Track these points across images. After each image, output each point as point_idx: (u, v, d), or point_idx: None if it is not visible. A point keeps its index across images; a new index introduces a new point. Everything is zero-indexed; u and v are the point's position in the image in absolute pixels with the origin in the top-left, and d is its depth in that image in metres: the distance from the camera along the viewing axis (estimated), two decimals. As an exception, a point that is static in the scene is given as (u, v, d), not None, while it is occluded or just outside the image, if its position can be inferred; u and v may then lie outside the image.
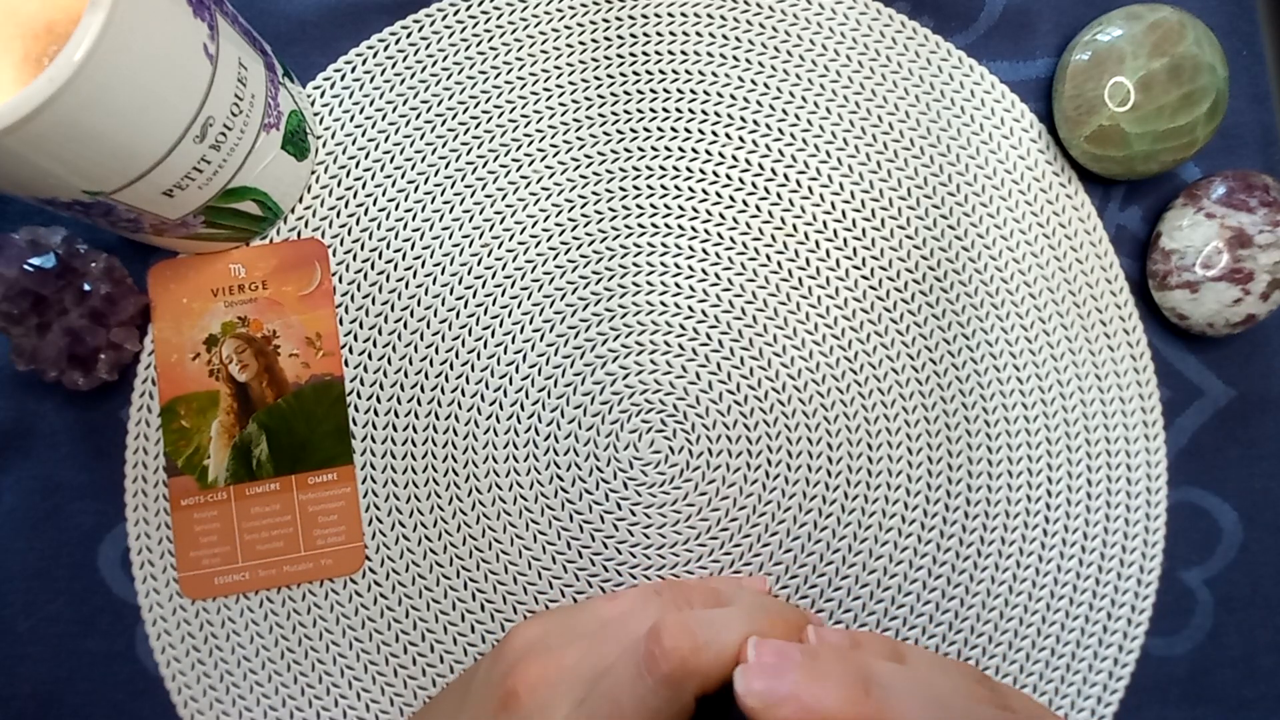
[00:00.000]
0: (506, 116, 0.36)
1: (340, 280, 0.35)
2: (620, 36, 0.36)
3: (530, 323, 0.35)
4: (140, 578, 0.33)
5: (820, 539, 0.34)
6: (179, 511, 0.33)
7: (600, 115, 0.36)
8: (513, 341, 0.35)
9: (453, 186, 0.35)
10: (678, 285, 0.35)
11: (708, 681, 0.23)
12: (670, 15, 0.36)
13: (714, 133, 0.36)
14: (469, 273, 0.35)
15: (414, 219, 0.35)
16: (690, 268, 0.35)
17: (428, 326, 0.35)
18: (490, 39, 0.36)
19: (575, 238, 0.35)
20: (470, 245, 0.35)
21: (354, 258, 0.35)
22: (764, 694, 0.21)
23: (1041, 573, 0.34)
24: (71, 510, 0.34)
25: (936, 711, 0.22)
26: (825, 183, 0.35)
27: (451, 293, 0.35)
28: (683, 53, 0.36)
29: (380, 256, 0.35)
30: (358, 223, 0.35)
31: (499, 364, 0.34)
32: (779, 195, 0.35)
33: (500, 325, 0.35)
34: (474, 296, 0.35)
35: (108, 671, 0.33)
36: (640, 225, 0.35)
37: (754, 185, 0.35)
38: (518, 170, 0.35)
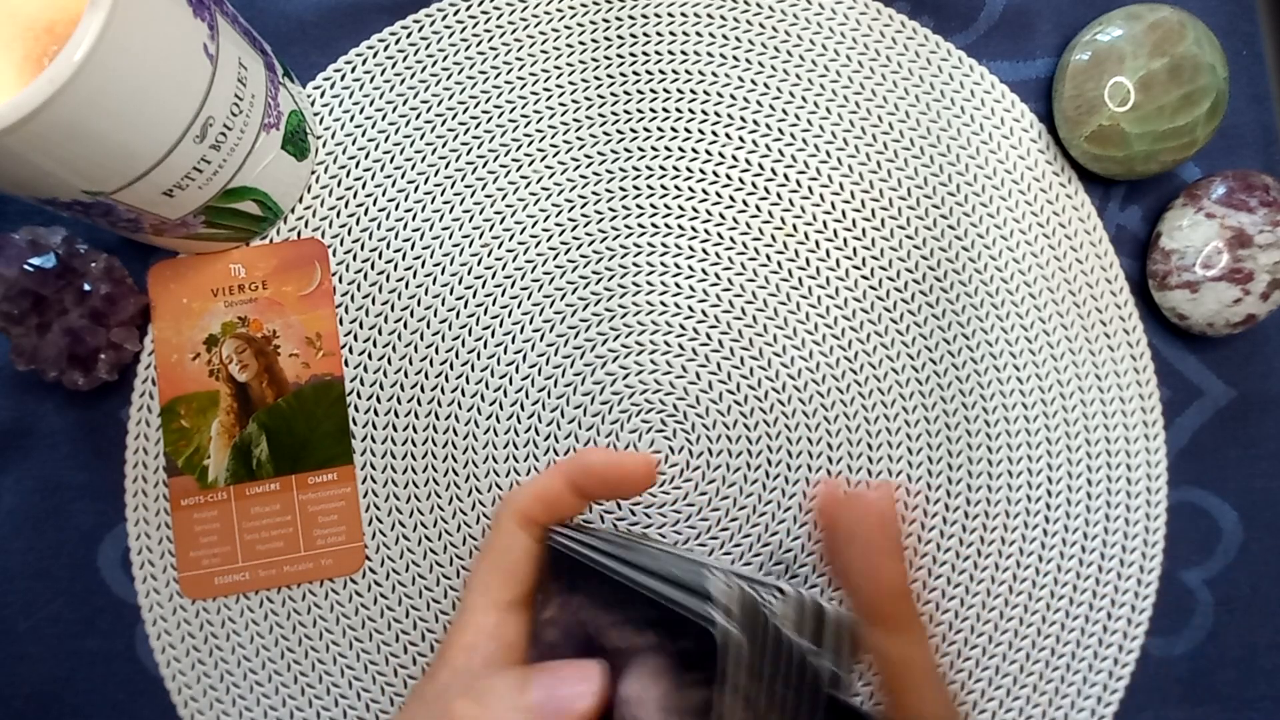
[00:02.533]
0: (506, 116, 0.36)
1: (340, 280, 0.35)
2: (620, 36, 0.36)
3: (530, 323, 0.35)
4: (140, 578, 0.33)
5: (820, 538, 0.34)
6: (179, 511, 0.33)
7: (600, 115, 0.36)
8: (513, 341, 0.35)
9: (453, 186, 0.35)
10: (678, 285, 0.35)
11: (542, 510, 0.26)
12: (670, 15, 0.36)
13: (714, 133, 0.36)
14: (469, 273, 0.35)
15: (414, 219, 0.35)
16: (690, 268, 0.35)
17: (428, 326, 0.35)
18: (490, 39, 0.36)
19: (575, 238, 0.35)
20: (470, 245, 0.35)
21: (354, 258, 0.35)
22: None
23: (1041, 573, 0.34)
24: (71, 510, 0.34)
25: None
26: (825, 183, 0.35)
27: (451, 293, 0.35)
28: (683, 53, 0.36)
29: (380, 256, 0.35)
30: (358, 223, 0.35)
31: (499, 364, 0.34)
32: (779, 195, 0.35)
33: (500, 325, 0.35)
34: (474, 296, 0.35)
35: (108, 671, 0.33)
36: (640, 225, 0.35)
37: (754, 185, 0.35)
38: (518, 170, 0.35)
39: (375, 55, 0.36)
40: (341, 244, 0.35)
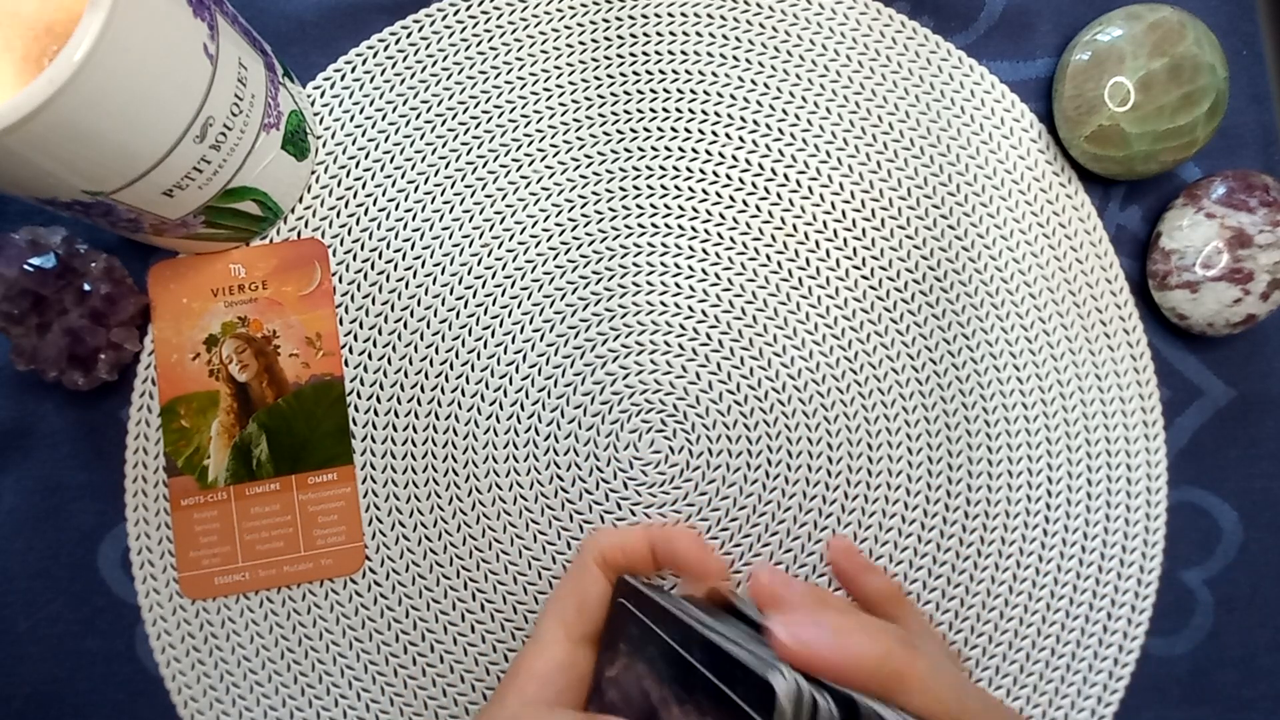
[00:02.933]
0: (506, 116, 0.36)
1: (340, 280, 0.35)
2: (620, 36, 0.36)
3: (530, 323, 0.35)
4: (140, 578, 0.33)
5: (820, 539, 0.34)
6: (179, 511, 0.33)
7: (600, 115, 0.36)
8: (513, 341, 0.35)
9: (453, 186, 0.35)
10: (678, 285, 0.35)
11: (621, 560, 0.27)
12: (670, 15, 0.36)
13: (714, 133, 0.36)
14: (469, 273, 0.35)
15: (414, 219, 0.35)
16: (690, 268, 0.35)
17: (428, 326, 0.35)
18: (490, 39, 0.36)
19: (575, 238, 0.35)
20: (470, 245, 0.35)
21: (354, 258, 0.35)
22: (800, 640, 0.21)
23: (1041, 573, 0.34)
24: (71, 510, 0.34)
25: (957, 678, 0.22)
26: (825, 183, 0.35)
27: (451, 293, 0.35)
28: (683, 53, 0.36)
29: (380, 256, 0.35)
30: (358, 223, 0.35)
31: (499, 364, 0.34)
32: (779, 195, 0.35)
33: (500, 325, 0.35)
34: (474, 296, 0.35)
35: (108, 671, 0.33)
36: (640, 225, 0.35)
37: (754, 185, 0.35)
38: (518, 170, 0.35)
39: (375, 55, 0.36)
40: (341, 244, 0.35)
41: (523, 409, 0.34)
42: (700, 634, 0.21)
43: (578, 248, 0.35)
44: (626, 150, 0.36)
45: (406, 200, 0.35)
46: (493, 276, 0.35)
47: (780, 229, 0.35)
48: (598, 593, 0.26)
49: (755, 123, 0.36)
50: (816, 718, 0.19)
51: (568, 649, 0.25)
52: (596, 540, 0.27)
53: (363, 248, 0.35)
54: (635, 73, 0.36)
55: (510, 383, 0.34)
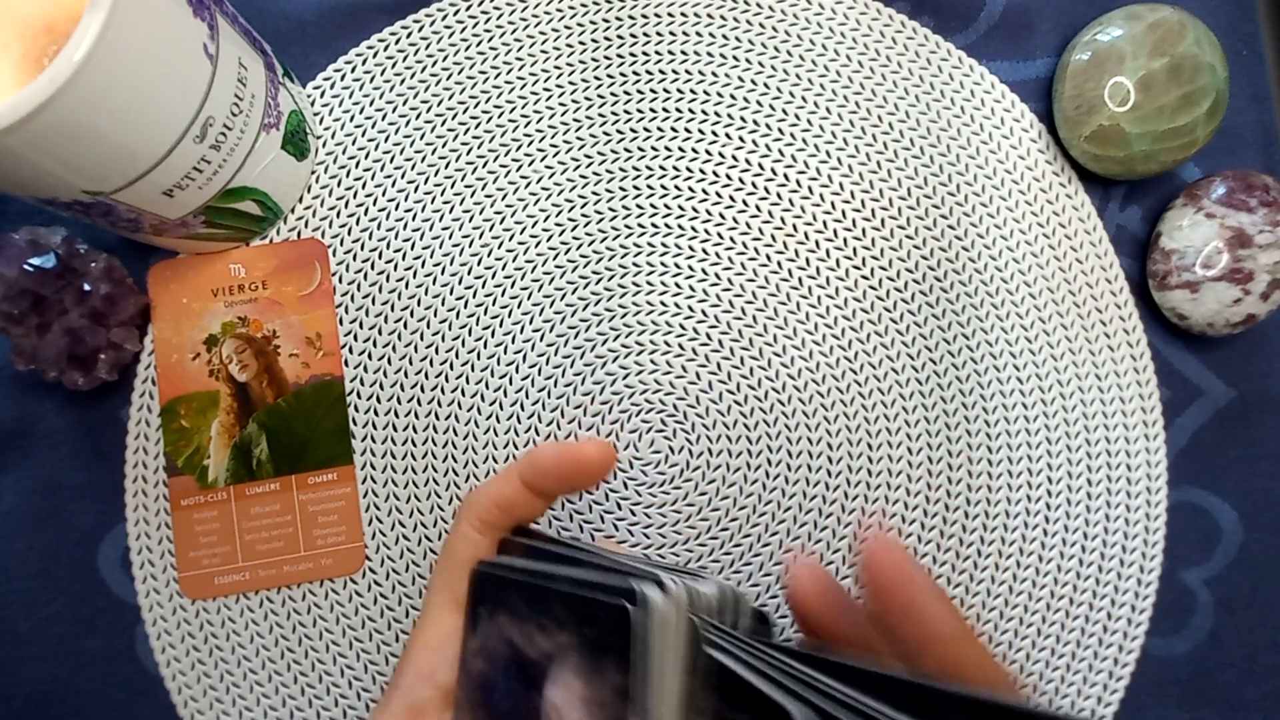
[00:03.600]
0: (506, 116, 0.36)
1: (340, 280, 0.35)
2: (620, 36, 0.36)
3: (530, 323, 0.35)
4: (140, 578, 0.33)
5: (820, 539, 0.34)
6: (179, 511, 0.33)
7: (600, 115, 0.36)
8: (513, 341, 0.35)
9: (453, 186, 0.35)
10: (678, 285, 0.35)
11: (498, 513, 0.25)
12: (670, 15, 0.36)
13: (714, 133, 0.36)
14: (469, 273, 0.35)
15: (414, 219, 0.35)
16: (690, 268, 0.35)
17: (428, 326, 0.35)
18: (490, 39, 0.36)
19: (575, 238, 0.35)
20: (470, 245, 0.35)
21: (354, 258, 0.35)
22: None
23: (1041, 573, 0.34)
24: (71, 510, 0.34)
25: None
26: (825, 183, 0.35)
27: (451, 293, 0.35)
28: (683, 53, 0.36)
29: (380, 256, 0.35)
30: (358, 223, 0.35)
31: (499, 364, 0.34)
32: (779, 195, 0.35)
33: (500, 325, 0.35)
34: (474, 296, 0.35)
35: (108, 671, 0.33)
36: (640, 225, 0.35)
37: (754, 185, 0.35)
38: (518, 170, 0.35)
39: (375, 55, 0.36)
40: (341, 244, 0.35)
41: (523, 409, 0.34)
42: (564, 560, 0.22)
43: (578, 248, 0.35)
44: (626, 150, 0.36)
45: (406, 200, 0.35)
46: (493, 276, 0.35)
47: (780, 229, 0.35)
48: (474, 557, 0.25)
49: (755, 123, 0.36)
50: (695, 607, 0.19)
51: (458, 618, 0.24)
52: (471, 504, 0.26)
53: (363, 248, 0.35)
54: (635, 73, 0.36)
55: (510, 383, 0.34)
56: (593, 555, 0.22)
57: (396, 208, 0.35)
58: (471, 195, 0.35)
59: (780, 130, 0.36)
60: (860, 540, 0.26)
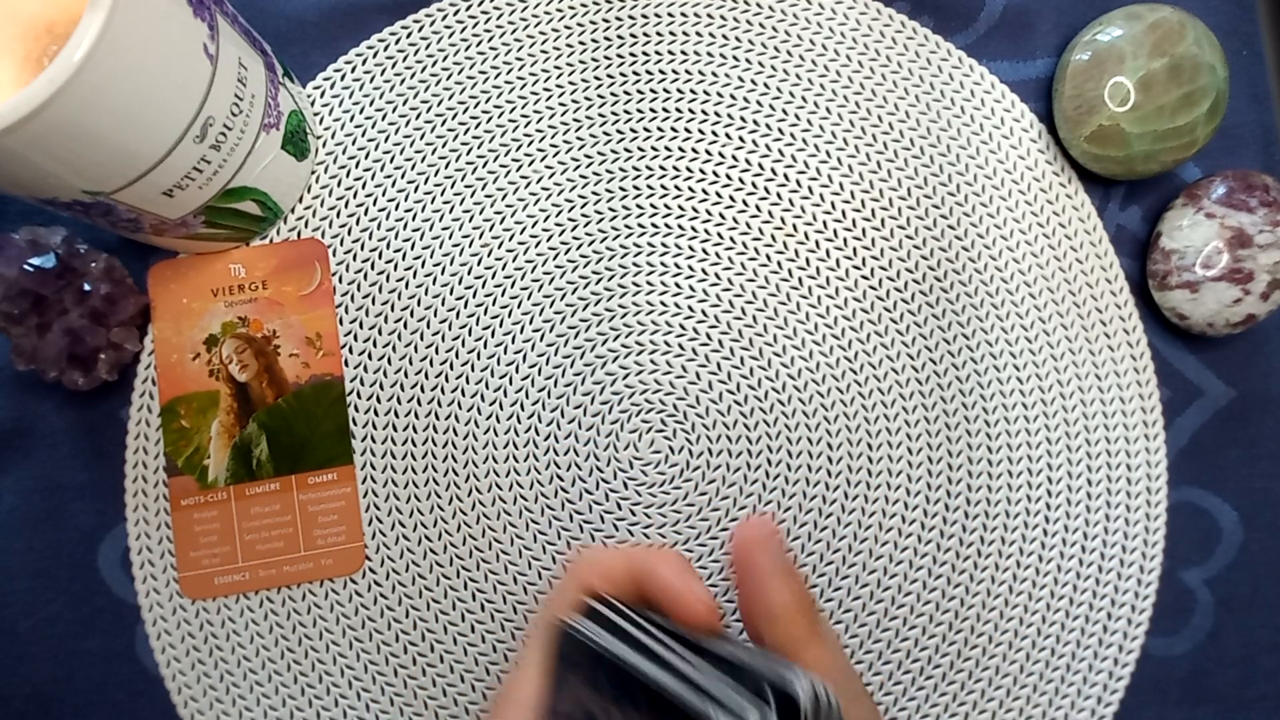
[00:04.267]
0: (506, 116, 0.36)
1: (340, 280, 0.35)
2: (620, 36, 0.36)
3: (530, 323, 0.35)
4: (140, 578, 0.33)
5: (820, 539, 0.34)
6: (179, 511, 0.33)
7: (600, 115, 0.36)
8: (513, 341, 0.35)
9: (453, 186, 0.35)
10: (678, 285, 0.35)
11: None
12: (670, 15, 0.36)
13: (714, 133, 0.36)
14: (469, 273, 0.35)
15: (414, 219, 0.35)
16: (690, 268, 0.35)
17: (428, 326, 0.35)
18: (490, 39, 0.36)
19: (575, 238, 0.35)
20: (470, 245, 0.35)
21: (354, 258, 0.35)
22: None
23: (1041, 573, 0.34)
24: (71, 510, 0.34)
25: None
26: (825, 183, 0.35)
27: (451, 293, 0.35)
28: (683, 53, 0.36)
29: (380, 256, 0.35)
30: (358, 223, 0.35)
31: (499, 364, 0.34)
32: (779, 195, 0.35)
33: (500, 325, 0.35)
34: (474, 296, 0.35)
35: (108, 671, 0.33)
36: (640, 225, 0.35)
37: (754, 185, 0.35)
38: (518, 170, 0.35)
39: (375, 55, 0.36)
40: (341, 244, 0.35)
41: (523, 409, 0.34)
42: (667, 657, 0.21)
43: (578, 248, 0.35)
44: (626, 150, 0.36)
45: (406, 200, 0.35)
46: (493, 276, 0.35)
47: (780, 229, 0.35)
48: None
49: (755, 123, 0.36)
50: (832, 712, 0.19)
51: (548, 679, 0.25)
52: (581, 568, 0.26)
53: (363, 248, 0.35)
54: (635, 73, 0.36)
55: (510, 383, 0.34)
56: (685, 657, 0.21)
57: (396, 208, 0.35)
58: (471, 195, 0.35)
59: (780, 130, 0.36)
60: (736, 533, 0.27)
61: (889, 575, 0.34)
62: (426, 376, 0.34)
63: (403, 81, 0.36)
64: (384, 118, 0.36)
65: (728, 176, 0.35)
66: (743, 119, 0.36)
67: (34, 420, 0.34)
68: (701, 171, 0.35)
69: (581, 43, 0.36)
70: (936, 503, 0.34)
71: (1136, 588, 0.34)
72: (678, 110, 0.36)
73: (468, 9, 0.36)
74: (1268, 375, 0.35)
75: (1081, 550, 0.34)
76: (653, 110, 0.36)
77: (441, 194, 0.35)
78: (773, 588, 0.25)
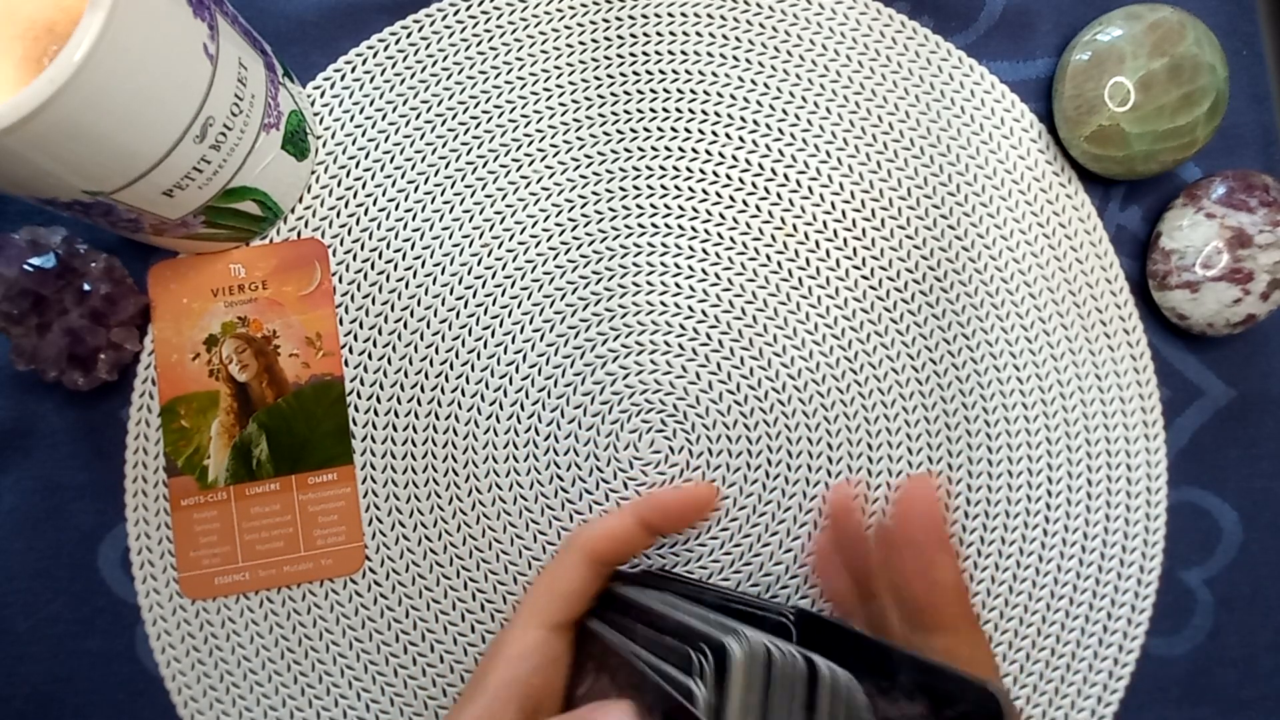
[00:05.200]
0: (506, 116, 0.36)
1: (340, 280, 0.35)
2: (620, 36, 0.36)
3: (530, 323, 0.35)
4: (140, 578, 0.33)
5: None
6: (179, 511, 0.33)
7: (600, 115, 0.36)
8: (513, 341, 0.35)
9: (453, 186, 0.35)
10: (678, 285, 0.35)
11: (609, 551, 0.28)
12: (670, 15, 0.36)
13: (714, 133, 0.36)
14: (469, 273, 0.35)
15: (414, 219, 0.35)
16: (690, 268, 0.35)
17: (428, 326, 0.35)
18: (490, 39, 0.36)
19: (575, 238, 0.35)
20: (470, 245, 0.35)
21: (354, 258, 0.35)
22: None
23: (1041, 573, 0.34)
24: (71, 510, 0.34)
25: None
26: (825, 183, 0.35)
27: (451, 293, 0.35)
28: (683, 53, 0.36)
29: (380, 256, 0.35)
30: (358, 223, 0.35)
31: (499, 364, 0.34)
32: (779, 195, 0.35)
33: (500, 325, 0.35)
34: (474, 296, 0.35)
35: (108, 671, 0.33)
36: (640, 225, 0.35)
37: (754, 185, 0.35)
38: (518, 170, 0.35)
39: (375, 55, 0.36)
40: (341, 244, 0.35)
41: (523, 409, 0.34)
42: (668, 613, 0.22)
43: (578, 248, 0.35)
44: (626, 150, 0.36)
45: (406, 200, 0.35)
46: (493, 276, 0.35)
47: (780, 229, 0.35)
48: (580, 584, 0.27)
49: (755, 123, 0.36)
50: (771, 671, 0.19)
51: (541, 633, 0.26)
52: (582, 536, 0.27)
53: (363, 248, 0.35)
54: (635, 73, 0.36)
55: (510, 383, 0.34)
56: (697, 610, 0.22)
57: (396, 208, 0.35)
58: (471, 195, 0.35)
59: (780, 130, 0.36)
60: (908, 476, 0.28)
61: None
62: (426, 376, 0.34)
63: (403, 81, 0.36)
64: (384, 118, 0.36)
65: (728, 177, 0.35)
66: (743, 119, 0.36)
67: (34, 420, 0.34)
68: (701, 172, 0.35)
69: (581, 43, 0.36)
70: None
71: (1136, 588, 0.34)
72: (678, 110, 0.36)
73: (468, 9, 0.36)
74: (1268, 375, 0.35)
75: (1081, 550, 0.34)
76: (653, 110, 0.36)
77: (441, 194, 0.35)
78: (941, 562, 0.25)
